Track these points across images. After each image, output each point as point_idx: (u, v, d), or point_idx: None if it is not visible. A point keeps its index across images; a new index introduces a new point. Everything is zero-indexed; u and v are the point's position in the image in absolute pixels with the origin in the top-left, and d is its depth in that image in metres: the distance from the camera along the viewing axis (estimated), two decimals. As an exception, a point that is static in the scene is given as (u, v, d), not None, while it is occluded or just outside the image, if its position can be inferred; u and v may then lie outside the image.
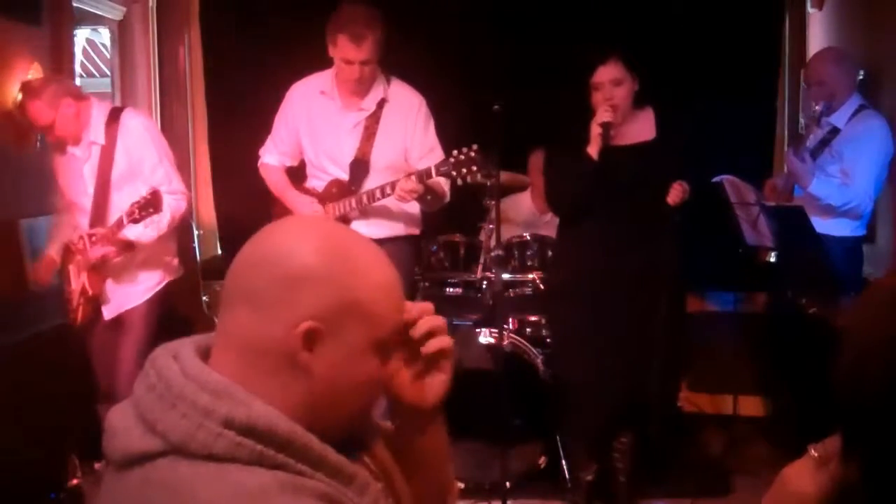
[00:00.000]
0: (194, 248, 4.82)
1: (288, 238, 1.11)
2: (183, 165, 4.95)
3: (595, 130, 3.37)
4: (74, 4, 4.30)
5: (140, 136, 3.57)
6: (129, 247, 3.52)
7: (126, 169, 3.55)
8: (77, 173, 3.58)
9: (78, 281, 3.59)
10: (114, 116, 3.56)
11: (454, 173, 3.37)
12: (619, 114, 3.41)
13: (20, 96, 3.55)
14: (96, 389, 3.70)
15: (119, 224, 3.43)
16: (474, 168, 3.35)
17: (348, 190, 3.61)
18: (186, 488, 1.01)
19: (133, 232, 3.45)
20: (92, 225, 3.55)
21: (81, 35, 4.61)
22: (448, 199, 3.66)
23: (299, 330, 1.06)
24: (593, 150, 3.38)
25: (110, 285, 3.62)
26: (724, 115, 4.47)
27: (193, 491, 1.00)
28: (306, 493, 1.02)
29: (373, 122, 3.62)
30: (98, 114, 3.55)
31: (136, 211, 3.36)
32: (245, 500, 0.99)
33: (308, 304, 1.07)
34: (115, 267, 3.59)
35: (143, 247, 3.54)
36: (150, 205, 3.36)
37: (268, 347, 1.08)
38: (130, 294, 3.65)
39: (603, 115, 3.36)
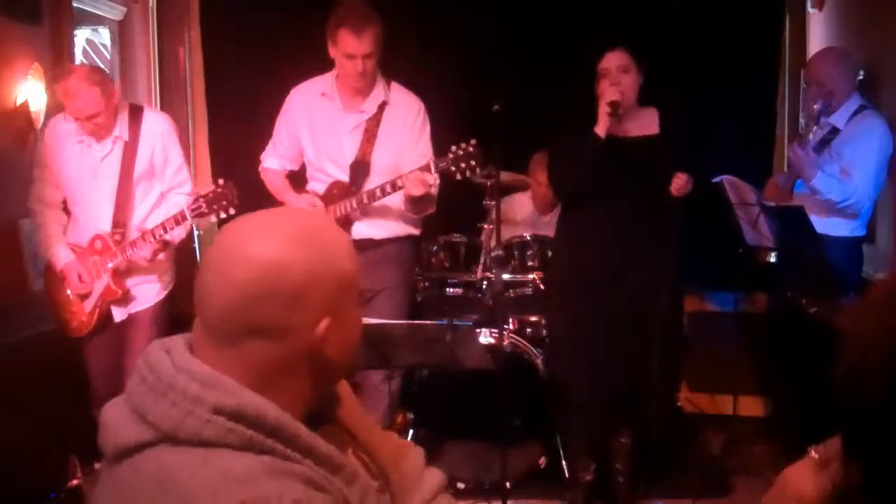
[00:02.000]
0: (194, 248, 4.82)
1: (263, 254, 1.08)
2: (183, 165, 4.96)
3: (603, 109, 3.39)
4: (74, 4, 4.29)
5: (168, 136, 3.56)
6: (167, 245, 3.48)
7: (146, 168, 3.51)
8: (90, 169, 3.48)
9: (100, 283, 3.49)
10: (135, 113, 3.52)
11: (453, 168, 3.37)
12: (625, 100, 3.42)
13: (62, 80, 3.35)
14: (92, 395, 3.59)
15: (179, 218, 3.35)
16: (473, 163, 3.35)
17: (349, 191, 3.61)
18: (172, 475, 1.02)
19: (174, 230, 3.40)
20: (115, 223, 3.47)
21: (81, 35, 4.60)
22: (434, 206, 3.66)
23: (319, 330, 1.10)
24: (601, 129, 3.41)
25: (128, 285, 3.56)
26: (724, 115, 4.48)
27: (180, 478, 1.01)
28: (293, 478, 1.04)
29: (374, 124, 3.62)
30: (122, 109, 3.52)
31: (204, 205, 3.30)
32: (232, 485, 1.00)
33: (318, 306, 1.10)
34: (136, 267, 3.52)
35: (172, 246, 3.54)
36: (223, 198, 3.31)
37: (290, 360, 1.10)
38: (144, 295, 3.59)
39: (611, 94, 3.39)
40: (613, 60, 3.45)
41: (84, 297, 3.53)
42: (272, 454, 1.04)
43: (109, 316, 3.56)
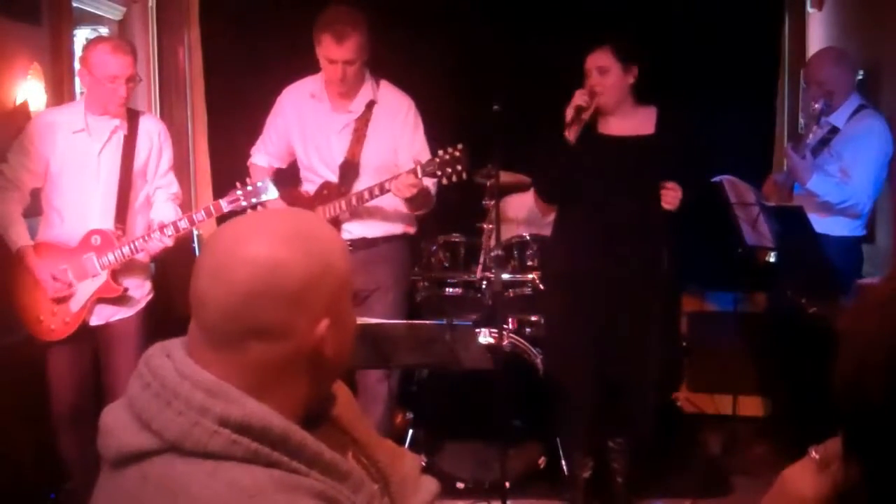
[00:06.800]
0: (194, 247, 4.82)
1: (261, 255, 1.08)
2: (182, 165, 4.95)
3: (569, 113, 3.40)
4: (74, 4, 4.29)
5: (164, 138, 3.52)
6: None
7: (141, 166, 3.43)
8: (86, 162, 3.33)
9: (94, 281, 3.31)
10: (132, 113, 3.45)
11: (439, 172, 3.37)
12: (603, 101, 3.42)
13: (107, 41, 3.40)
14: (54, 415, 3.37)
15: (209, 210, 3.28)
16: (459, 167, 3.35)
17: (338, 192, 3.61)
18: (183, 487, 1.01)
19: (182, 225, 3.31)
20: (118, 219, 3.34)
21: (81, 35, 4.59)
22: (433, 204, 3.66)
23: (319, 331, 1.09)
24: (570, 133, 3.41)
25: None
26: (724, 115, 4.47)
27: (190, 489, 1.01)
28: (302, 492, 1.03)
29: (362, 124, 3.63)
30: None
31: (243, 197, 3.25)
32: (241, 499, 1.00)
33: (317, 306, 1.09)
34: (127, 269, 3.39)
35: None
36: (264, 191, 3.26)
37: (290, 362, 1.10)
38: (127, 303, 3.43)
39: (577, 98, 3.39)
40: (593, 61, 3.44)
41: (64, 298, 3.31)
42: (278, 467, 1.04)
43: (87, 321, 3.36)
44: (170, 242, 3.33)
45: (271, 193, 3.32)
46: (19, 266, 3.33)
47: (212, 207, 3.34)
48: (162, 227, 3.31)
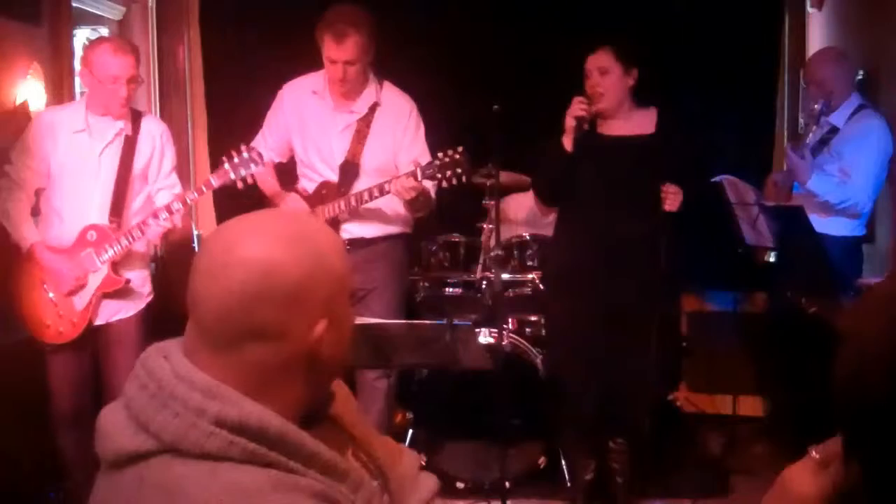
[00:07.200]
0: (194, 247, 4.82)
1: (257, 256, 1.07)
2: (182, 165, 4.94)
3: (569, 123, 3.40)
4: (74, 4, 4.29)
5: (167, 139, 3.53)
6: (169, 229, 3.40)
7: (142, 167, 3.45)
8: (87, 162, 3.35)
9: (96, 275, 3.32)
10: (135, 114, 3.47)
11: (439, 175, 3.37)
12: (604, 105, 3.43)
13: (109, 41, 3.48)
14: (54, 415, 3.39)
15: (203, 187, 3.34)
16: (459, 170, 3.35)
17: (338, 192, 3.61)
18: (181, 488, 1.01)
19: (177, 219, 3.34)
20: (113, 212, 3.34)
21: (81, 35, 4.60)
22: (434, 206, 3.66)
23: (316, 332, 1.09)
24: (567, 141, 3.41)
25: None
26: (724, 115, 4.48)
27: (187, 490, 1.01)
28: (300, 492, 1.03)
29: (364, 125, 3.63)
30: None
31: (230, 169, 3.31)
32: (239, 499, 1.00)
33: (314, 307, 1.09)
34: (127, 262, 3.41)
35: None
36: (252, 162, 3.33)
37: (288, 363, 1.09)
38: (128, 302, 3.44)
39: (576, 109, 3.38)
40: (594, 62, 3.45)
41: (74, 293, 3.32)
42: (276, 467, 1.03)
43: (93, 320, 3.37)
44: (168, 225, 3.34)
45: (259, 165, 3.37)
46: (27, 265, 3.34)
47: (203, 186, 3.39)
48: (156, 213, 3.33)
